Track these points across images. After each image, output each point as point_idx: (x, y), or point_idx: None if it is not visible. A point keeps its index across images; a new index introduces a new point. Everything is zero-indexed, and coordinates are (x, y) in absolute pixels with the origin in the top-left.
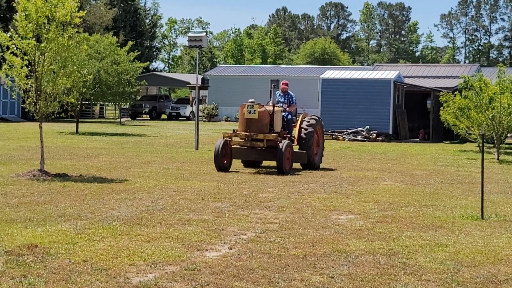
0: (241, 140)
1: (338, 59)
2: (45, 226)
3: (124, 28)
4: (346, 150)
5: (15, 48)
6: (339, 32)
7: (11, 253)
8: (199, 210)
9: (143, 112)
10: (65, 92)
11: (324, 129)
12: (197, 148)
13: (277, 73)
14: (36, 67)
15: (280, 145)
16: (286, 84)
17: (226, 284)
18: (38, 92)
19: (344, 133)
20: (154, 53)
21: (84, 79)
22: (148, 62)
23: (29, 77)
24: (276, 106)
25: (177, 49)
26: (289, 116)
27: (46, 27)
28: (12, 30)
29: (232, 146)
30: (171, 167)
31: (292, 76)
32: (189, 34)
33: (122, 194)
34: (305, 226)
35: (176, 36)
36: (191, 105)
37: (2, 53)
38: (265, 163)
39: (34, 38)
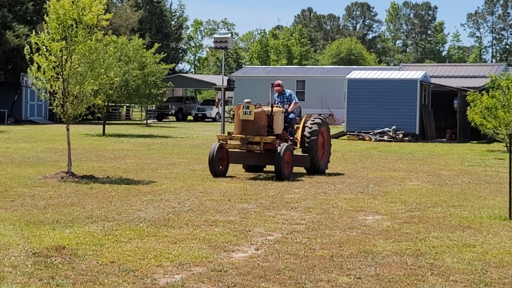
0: (236, 144)
1: (364, 59)
2: (73, 227)
3: (150, 30)
4: (372, 150)
5: (45, 50)
6: (365, 32)
7: (39, 255)
8: (225, 211)
9: (169, 113)
10: (92, 94)
11: (330, 131)
12: None
13: (302, 74)
14: (63, 69)
15: (279, 148)
16: (279, 85)
17: (252, 285)
18: (65, 94)
19: (371, 133)
20: (180, 54)
21: (111, 81)
22: (174, 64)
23: (56, 79)
24: (276, 106)
25: (202, 51)
26: (291, 115)
27: (74, 29)
28: (46, 31)
29: (229, 150)
30: (197, 168)
31: (318, 76)
32: (215, 35)
33: (149, 195)
34: (332, 227)
35: (202, 38)
36: (217, 106)
37: (31, 55)
38: (268, 167)
39: (62, 40)
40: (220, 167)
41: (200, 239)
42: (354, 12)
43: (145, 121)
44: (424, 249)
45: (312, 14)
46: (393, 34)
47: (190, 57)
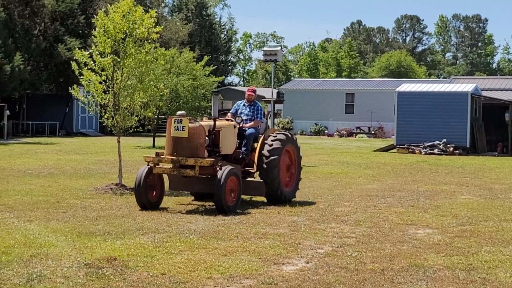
0: (167, 167)
1: (414, 72)
2: (124, 239)
3: (200, 43)
4: (423, 163)
5: (93, 64)
6: (415, 45)
7: (91, 266)
8: (275, 224)
9: None
10: (142, 106)
11: (300, 150)
12: None
13: (352, 87)
14: (113, 82)
15: (219, 173)
16: (254, 91)
17: None
18: (116, 107)
19: (421, 146)
20: (229, 67)
21: (161, 94)
22: (223, 77)
23: (106, 92)
24: (221, 120)
25: (252, 63)
26: (250, 130)
27: (124, 43)
28: (94, 47)
29: (169, 174)
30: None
31: (367, 89)
32: (264, 48)
33: (199, 207)
34: (382, 241)
35: (251, 51)
36: (266, 119)
37: (79, 70)
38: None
39: (112, 54)
40: (151, 196)
41: (250, 251)
42: (404, 25)
43: None
44: (476, 263)
45: (361, 26)
46: (442, 47)
47: (239, 70)
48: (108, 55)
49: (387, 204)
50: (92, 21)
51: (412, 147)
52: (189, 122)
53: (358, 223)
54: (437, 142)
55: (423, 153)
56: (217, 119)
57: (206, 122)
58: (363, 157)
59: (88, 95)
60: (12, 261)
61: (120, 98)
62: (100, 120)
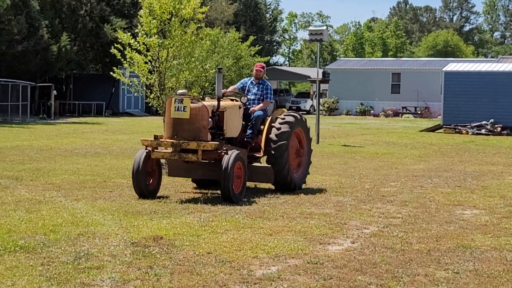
0: (167, 152)
1: (461, 51)
2: (170, 218)
3: (245, 23)
4: (470, 144)
5: (138, 45)
6: (462, 24)
7: (138, 245)
8: (321, 204)
9: None
10: (187, 86)
11: (309, 133)
12: (318, 142)
13: (398, 66)
14: (159, 62)
15: (225, 158)
16: (263, 67)
17: (349, 278)
18: (162, 87)
19: (468, 126)
20: (275, 47)
21: (206, 74)
22: (269, 57)
23: (152, 72)
24: (225, 100)
25: (297, 43)
26: (259, 113)
27: (170, 23)
28: (140, 27)
29: (168, 159)
30: None
31: (414, 69)
32: (310, 28)
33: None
34: (429, 221)
35: (296, 30)
36: (312, 99)
37: (120, 52)
38: None
39: (158, 34)
40: (150, 182)
41: (296, 231)
42: (451, 4)
43: None
44: None
45: (408, 6)
46: (490, 26)
47: (285, 49)
48: (154, 35)
49: (434, 185)
50: (139, 1)
51: (459, 127)
52: (191, 102)
53: (404, 203)
54: (484, 122)
55: (470, 133)
56: (221, 99)
57: (210, 102)
58: (409, 137)
59: (133, 77)
60: (60, 240)
61: (166, 78)
62: (146, 100)
